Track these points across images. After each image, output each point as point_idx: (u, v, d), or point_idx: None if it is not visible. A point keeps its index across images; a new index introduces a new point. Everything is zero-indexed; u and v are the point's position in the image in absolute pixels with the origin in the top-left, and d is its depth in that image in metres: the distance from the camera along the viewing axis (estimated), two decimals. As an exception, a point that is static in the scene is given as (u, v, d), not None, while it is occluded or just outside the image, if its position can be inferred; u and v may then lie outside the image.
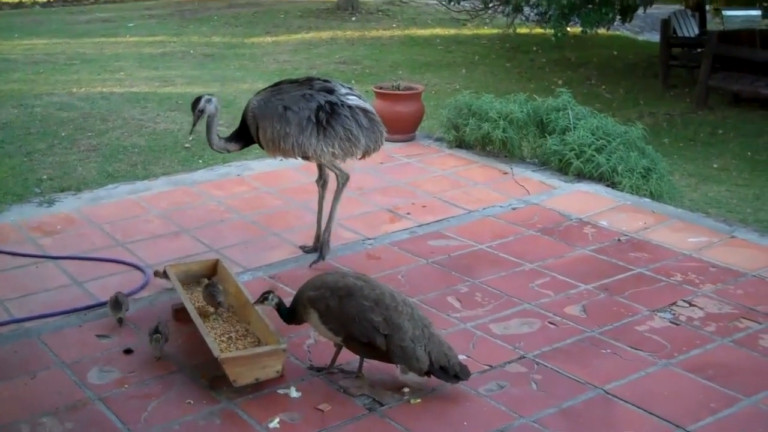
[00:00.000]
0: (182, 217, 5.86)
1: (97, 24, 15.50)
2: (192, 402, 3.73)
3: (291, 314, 3.94)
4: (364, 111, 5.01)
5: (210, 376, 3.89)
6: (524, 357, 4.09)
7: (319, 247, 5.23)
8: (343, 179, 5.11)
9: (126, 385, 3.88)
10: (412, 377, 3.83)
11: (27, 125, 8.42)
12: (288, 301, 4.01)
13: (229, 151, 5.15)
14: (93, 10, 17.16)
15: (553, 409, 3.68)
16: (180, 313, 4.38)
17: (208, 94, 4.97)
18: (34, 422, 3.60)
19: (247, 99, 5.14)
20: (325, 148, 4.88)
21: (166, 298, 4.64)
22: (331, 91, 4.97)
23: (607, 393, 3.79)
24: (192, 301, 4.36)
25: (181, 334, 4.28)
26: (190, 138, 4.88)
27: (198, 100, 4.90)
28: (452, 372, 3.74)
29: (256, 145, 5.10)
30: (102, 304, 4.59)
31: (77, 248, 5.35)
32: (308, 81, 5.04)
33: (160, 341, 4.03)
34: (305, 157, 4.98)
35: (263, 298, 3.93)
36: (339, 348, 3.94)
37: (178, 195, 6.31)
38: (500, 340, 4.25)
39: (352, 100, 4.99)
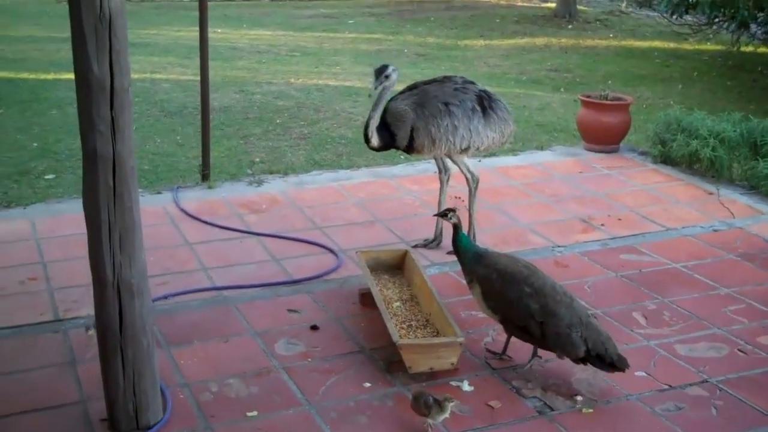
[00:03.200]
0: (378, 208, 6.06)
1: (320, 19, 16.16)
2: (368, 383, 3.88)
3: (464, 250, 4.12)
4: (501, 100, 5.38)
5: (388, 360, 4.03)
6: (707, 381, 3.95)
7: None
8: (475, 182, 5.37)
9: (309, 359, 4.08)
10: (585, 386, 3.83)
11: (246, 110, 8.94)
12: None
13: (369, 140, 5.08)
14: (317, 6, 17.88)
15: (732, 437, 3.54)
16: (365, 298, 4.55)
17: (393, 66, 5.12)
18: (222, 382, 3.86)
19: None
20: (490, 134, 5.19)
21: (355, 282, 4.83)
22: (473, 83, 5.29)
23: (793, 429, 3.60)
24: (378, 287, 4.51)
25: (365, 318, 4.45)
26: (368, 96, 5.11)
27: (386, 67, 5.07)
28: (608, 360, 3.77)
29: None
30: (296, 281, 4.86)
31: (279, 227, 5.66)
32: (447, 78, 5.28)
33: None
34: (464, 150, 5.19)
35: (444, 213, 4.29)
36: (509, 336, 4.06)
37: (376, 186, 6.52)
38: (684, 362, 4.12)
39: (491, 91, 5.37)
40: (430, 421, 3.51)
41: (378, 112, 5.07)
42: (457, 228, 4.18)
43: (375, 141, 5.08)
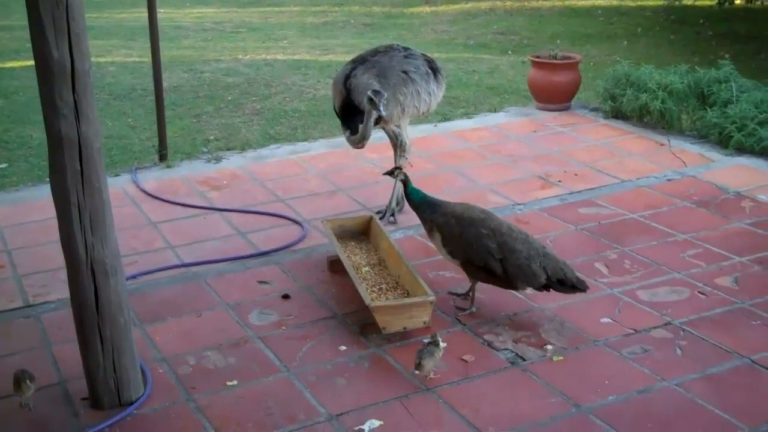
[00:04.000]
0: (339, 177, 6.11)
1: (264, -6, 16.04)
2: (344, 346, 3.95)
3: (418, 202, 4.32)
4: None
5: (361, 323, 4.10)
6: (670, 323, 4.09)
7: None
8: (407, 149, 5.45)
9: (283, 327, 4.14)
10: (554, 336, 3.96)
11: (196, 89, 8.90)
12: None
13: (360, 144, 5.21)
14: (260, -19, 17.73)
15: (697, 374, 3.68)
16: (334, 265, 4.62)
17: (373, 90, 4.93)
18: (200, 355, 3.91)
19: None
20: (440, 94, 5.43)
21: (322, 251, 4.89)
22: (410, 48, 5.46)
23: (754, 362, 3.74)
24: (346, 253, 4.58)
25: (335, 284, 4.52)
26: (383, 115, 5.03)
27: (379, 92, 4.86)
28: (569, 284, 4.02)
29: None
30: (264, 254, 4.90)
31: (241, 202, 5.69)
32: (390, 48, 5.38)
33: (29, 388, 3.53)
34: (423, 113, 5.42)
35: (391, 172, 4.50)
36: (473, 285, 4.25)
37: (335, 156, 6.57)
38: (647, 307, 4.26)
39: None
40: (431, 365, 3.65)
41: (371, 124, 4.98)
42: (405, 183, 4.37)
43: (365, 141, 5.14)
